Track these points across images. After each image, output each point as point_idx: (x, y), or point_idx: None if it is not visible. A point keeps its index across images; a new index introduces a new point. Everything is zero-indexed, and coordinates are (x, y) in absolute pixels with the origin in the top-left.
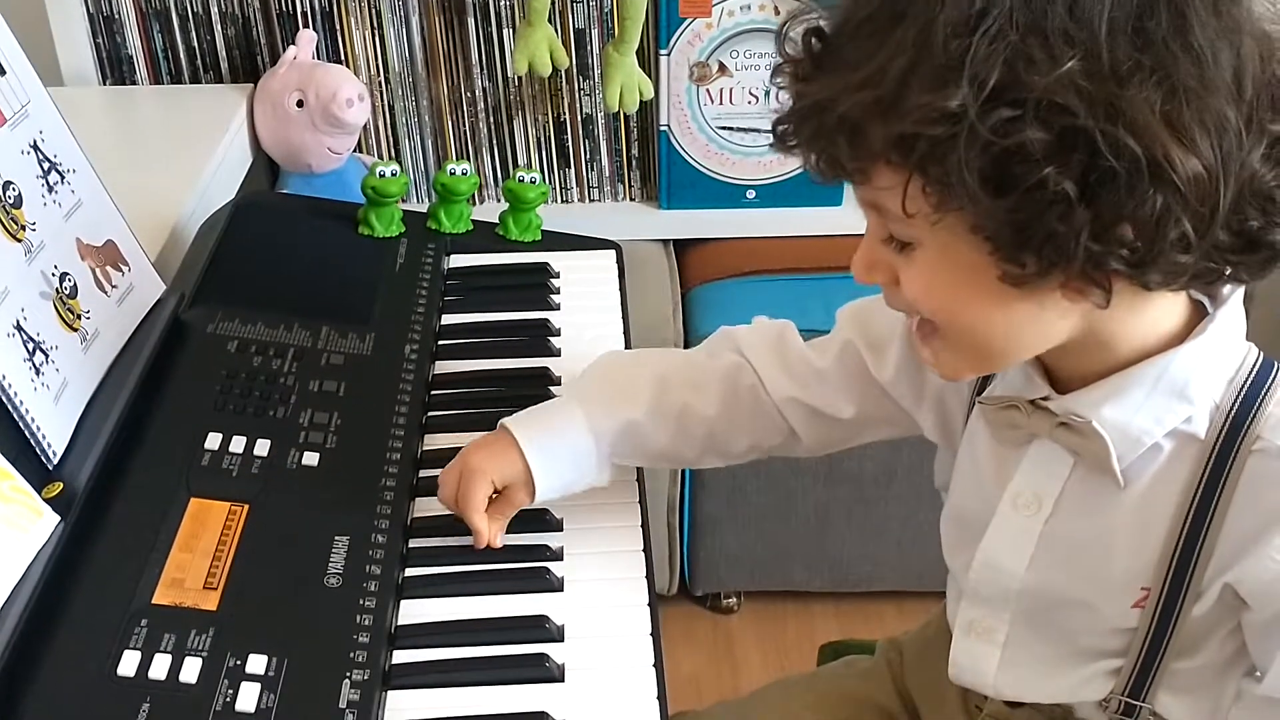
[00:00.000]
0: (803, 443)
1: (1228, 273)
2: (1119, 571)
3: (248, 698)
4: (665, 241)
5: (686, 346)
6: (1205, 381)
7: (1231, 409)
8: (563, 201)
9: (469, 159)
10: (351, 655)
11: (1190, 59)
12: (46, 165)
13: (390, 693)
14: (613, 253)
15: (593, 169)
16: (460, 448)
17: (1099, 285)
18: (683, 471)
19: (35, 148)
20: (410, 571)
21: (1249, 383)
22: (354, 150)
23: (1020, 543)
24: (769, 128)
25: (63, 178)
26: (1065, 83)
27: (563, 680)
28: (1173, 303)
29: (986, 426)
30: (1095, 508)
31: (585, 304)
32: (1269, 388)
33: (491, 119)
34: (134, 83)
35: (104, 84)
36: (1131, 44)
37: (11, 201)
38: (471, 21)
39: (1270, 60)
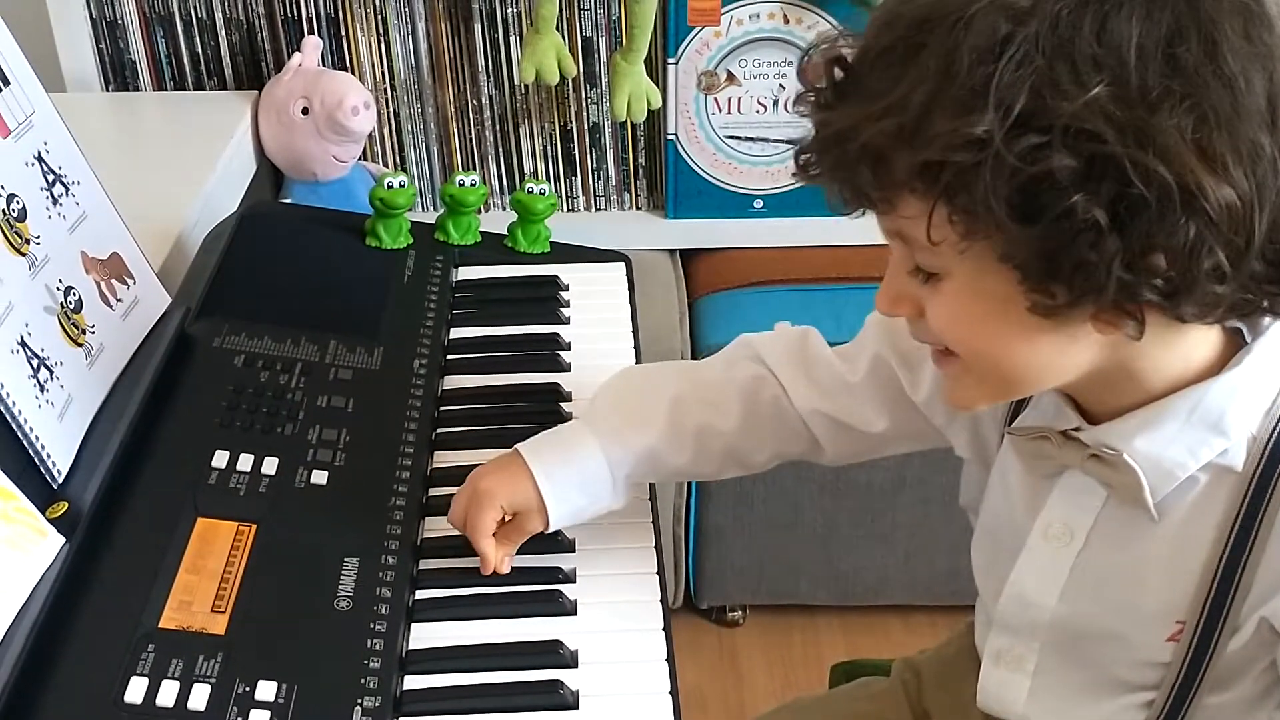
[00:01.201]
0: (826, 453)
1: (1265, 305)
2: (1152, 605)
3: None
4: (672, 251)
5: (694, 357)
6: (1242, 413)
7: (1269, 441)
8: (569, 210)
9: (475, 167)
10: (362, 681)
11: (1222, 85)
12: (51, 177)
13: None
14: (622, 265)
15: (599, 178)
16: (471, 465)
17: (1132, 316)
18: (689, 482)
19: (40, 159)
20: (421, 594)
21: None
22: (359, 158)
23: (1051, 574)
24: (783, 144)
25: (67, 190)
26: (1093, 109)
27: (577, 707)
28: (1207, 334)
29: (1018, 456)
30: (1128, 540)
31: (595, 318)
32: None
33: (498, 127)
34: (137, 89)
35: (107, 90)
36: (1161, 70)
37: (15, 214)
38: (478, 29)
39: None
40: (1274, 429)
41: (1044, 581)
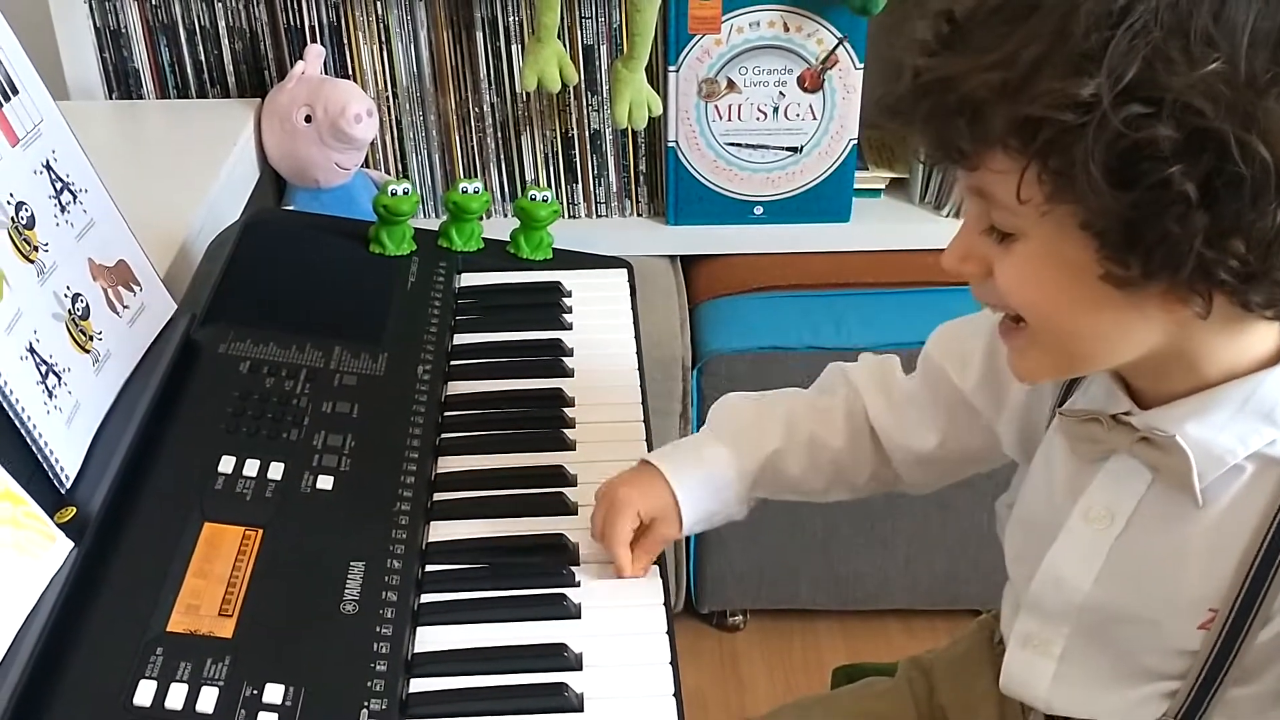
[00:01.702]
0: (905, 483)
1: None
2: (1188, 592)
3: None
4: (673, 257)
5: (694, 362)
6: None
7: None
8: (570, 217)
9: (476, 174)
10: (369, 684)
11: None
12: (59, 185)
13: None
14: (624, 271)
15: (601, 184)
16: (475, 470)
17: (1201, 295)
18: None
19: (48, 167)
20: (426, 598)
21: None
22: (362, 165)
23: (1088, 556)
24: (783, 151)
25: (75, 197)
26: (1202, 85)
27: (582, 710)
28: (1267, 329)
29: (1064, 439)
30: (1170, 526)
31: (598, 323)
32: None
33: (500, 134)
34: (140, 97)
35: (110, 98)
36: (1272, 57)
37: (24, 222)
38: (480, 37)
39: None
40: None
41: (1081, 563)
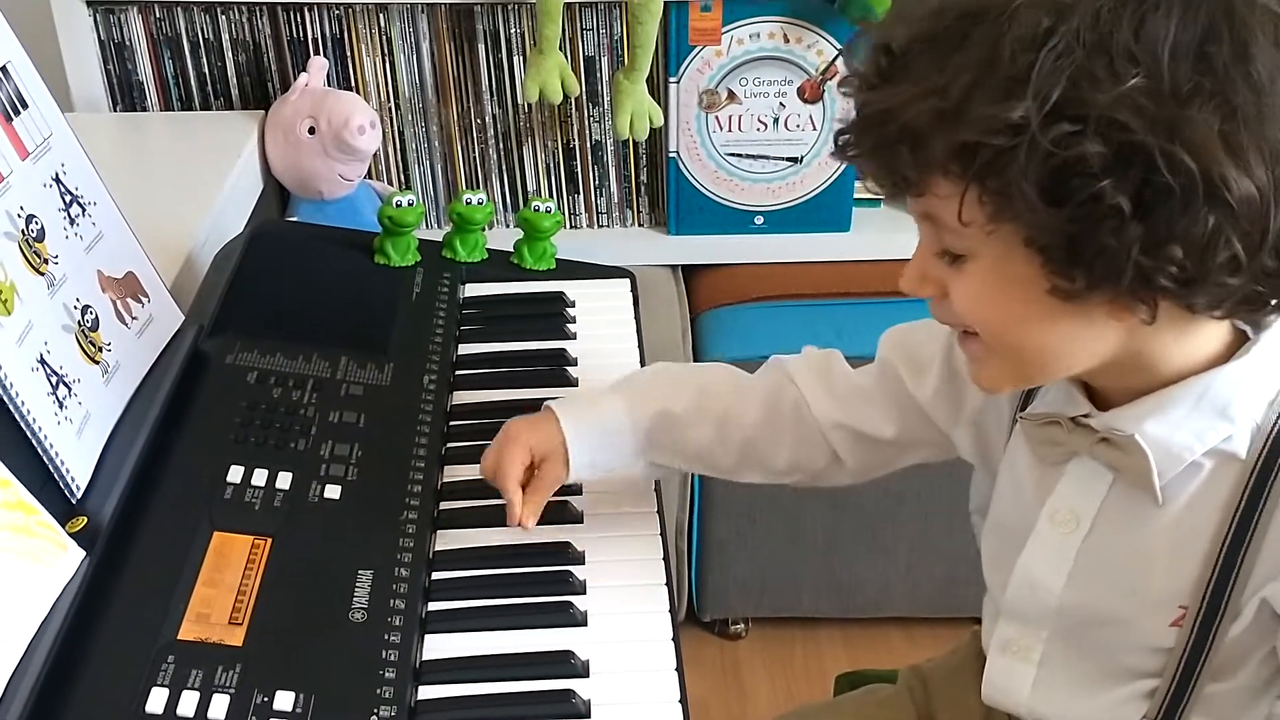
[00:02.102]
0: (846, 467)
1: (1274, 301)
2: (1156, 589)
3: None
4: (674, 267)
5: None
6: (1247, 402)
7: (1273, 430)
8: (572, 228)
9: (479, 186)
10: (378, 691)
11: (1249, 87)
12: (68, 198)
13: None
14: (627, 281)
15: (602, 195)
16: (480, 480)
17: (1145, 303)
18: (691, 496)
19: (57, 180)
20: (434, 605)
21: None
22: (365, 177)
23: (1058, 560)
24: (783, 161)
25: (84, 210)
26: (1126, 100)
27: (589, 716)
28: (1216, 327)
29: (1026, 443)
30: (1133, 525)
31: (601, 333)
32: None
33: (502, 145)
34: (145, 109)
35: (115, 110)
36: (1194, 68)
37: (35, 235)
38: (482, 48)
39: None
40: (1277, 418)
41: (1051, 567)
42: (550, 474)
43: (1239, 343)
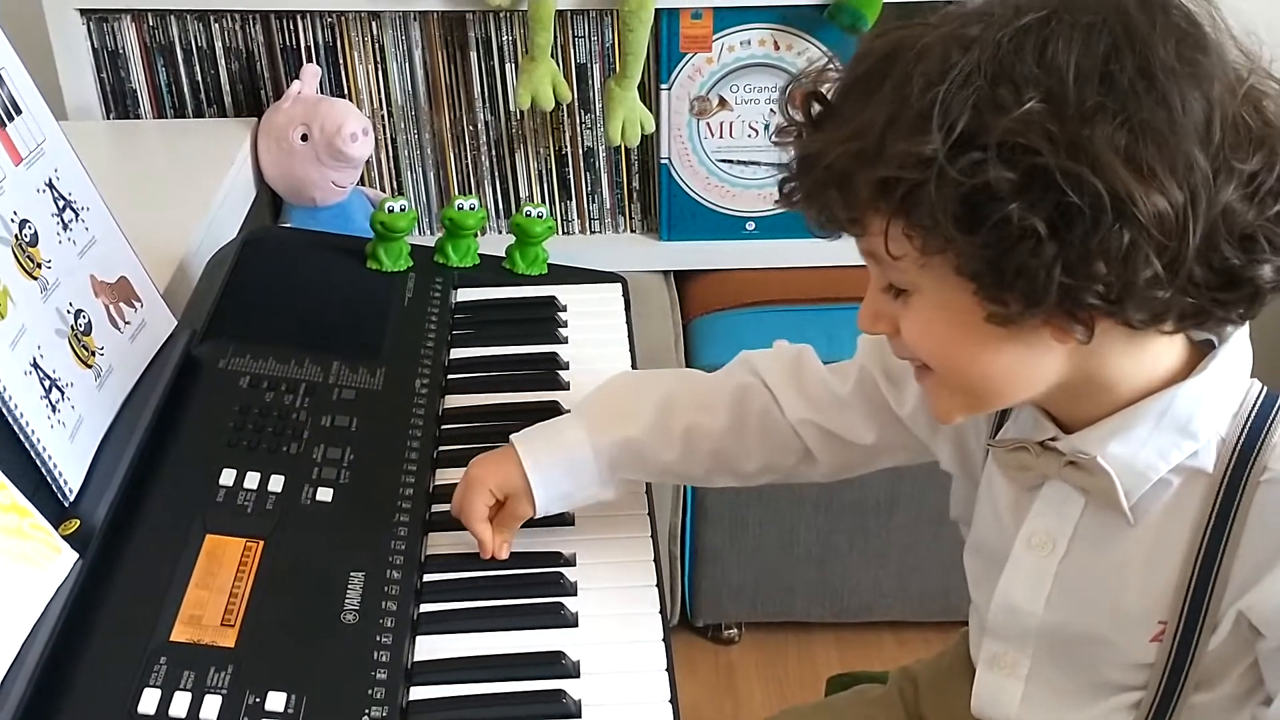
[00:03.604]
0: (819, 465)
1: (1220, 313)
2: (1134, 607)
3: None
4: (666, 273)
5: None
6: (1209, 417)
7: (1238, 442)
8: (564, 234)
9: (471, 192)
10: (370, 692)
11: (1155, 102)
12: (61, 203)
13: None
14: (619, 286)
15: (594, 201)
16: None
17: (1081, 323)
18: (684, 501)
19: (50, 186)
20: (425, 607)
21: (1253, 415)
22: (357, 183)
23: (1036, 582)
24: (774, 168)
25: (77, 215)
26: (1028, 123)
27: (579, 716)
28: (1170, 344)
29: (1000, 469)
30: (1108, 545)
31: (593, 337)
32: (1273, 420)
33: (494, 152)
34: (138, 117)
35: (108, 118)
36: (1097, 89)
37: (28, 239)
38: (474, 56)
39: (1244, 103)
40: (1242, 431)
41: (1030, 590)
42: (517, 511)
43: (1198, 358)
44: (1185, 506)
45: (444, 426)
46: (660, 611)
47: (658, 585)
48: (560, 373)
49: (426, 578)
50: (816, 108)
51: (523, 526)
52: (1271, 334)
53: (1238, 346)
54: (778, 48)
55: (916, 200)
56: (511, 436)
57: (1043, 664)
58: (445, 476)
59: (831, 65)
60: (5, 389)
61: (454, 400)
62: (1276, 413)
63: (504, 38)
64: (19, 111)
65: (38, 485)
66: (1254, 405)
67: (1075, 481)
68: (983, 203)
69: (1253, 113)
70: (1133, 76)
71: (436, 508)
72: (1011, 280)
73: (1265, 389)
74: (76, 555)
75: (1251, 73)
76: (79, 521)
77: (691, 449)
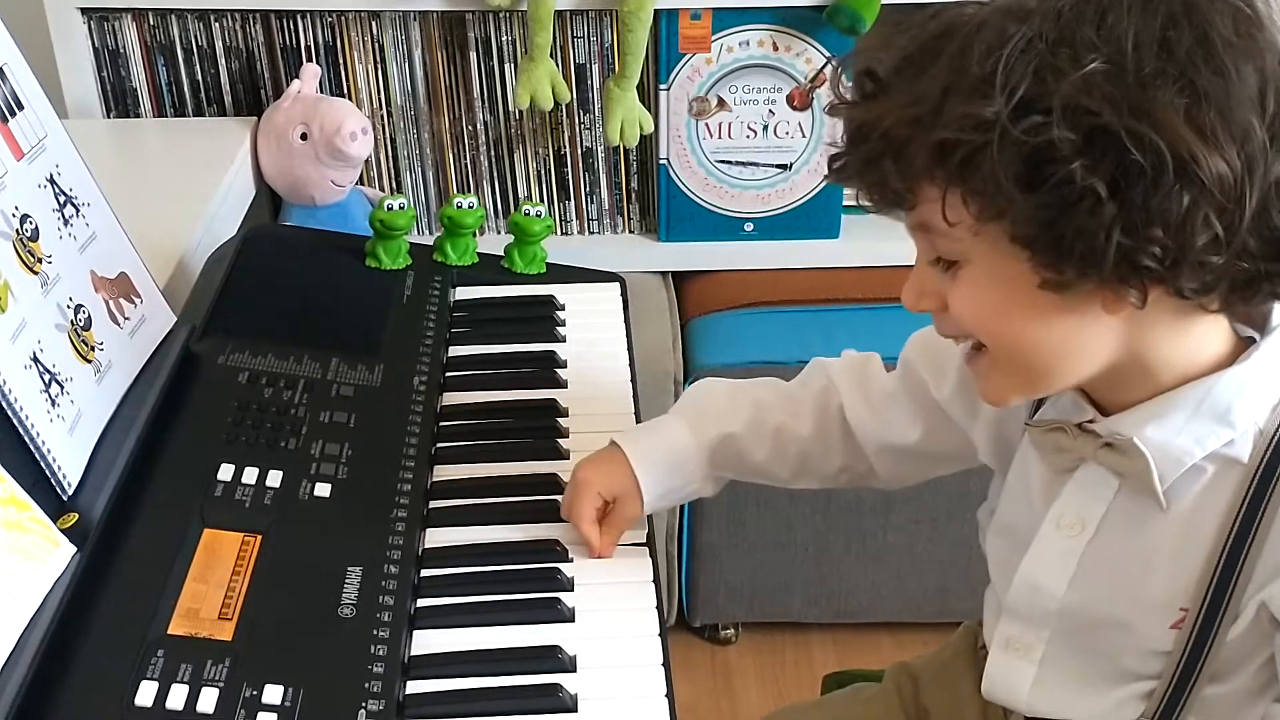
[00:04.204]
0: (879, 477)
1: (1266, 286)
2: (1158, 593)
3: None
4: (664, 273)
5: (685, 377)
6: (1249, 407)
7: (1275, 434)
8: (563, 234)
9: (470, 191)
10: (367, 685)
11: (1213, 71)
12: (62, 199)
13: None
14: (617, 285)
15: (593, 202)
16: (470, 479)
17: (1134, 288)
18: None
19: (51, 181)
20: (423, 602)
21: None
22: (356, 183)
23: (1061, 563)
24: (773, 169)
25: (78, 211)
26: (1090, 85)
27: (575, 710)
28: (1214, 331)
29: (1036, 451)
30: (1137, 530)
31: (591, 336)
32: None
33: (493, 152)
34: (138, 116)
35: (109, 117)
36: (1156, 54)
37: (29, 234)
38: (473, 56)
39: None
40: None
41: (1054, 570)
42: (625, 512)
43: (1241, 349)
44: (1217, 495)
45: (442, 423)
46: (656, 607)
47: (654, 580)
48: (558, 371)
49: (423, 573)
50: (869, 85)
51: (519, 523)
52: None
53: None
54: (776, 49)
55: (976, 164)
56: (614, 438)
57: (1058, 648)
58: (443, 473)
59: (890, 40)
60: (5, 382)
61: (452, 397)
62: None
63: (503, 38)
64: (21, 107)
65: (37, 479)
66: None
67: (1110, 464)
68: (1045, 162)
69: None
70: (1190, 46)
71: (434, 503)
72: (1070, 243)
73: None
74: (75, 549)
75: None
76: (78, 515)
77: (781, 450)
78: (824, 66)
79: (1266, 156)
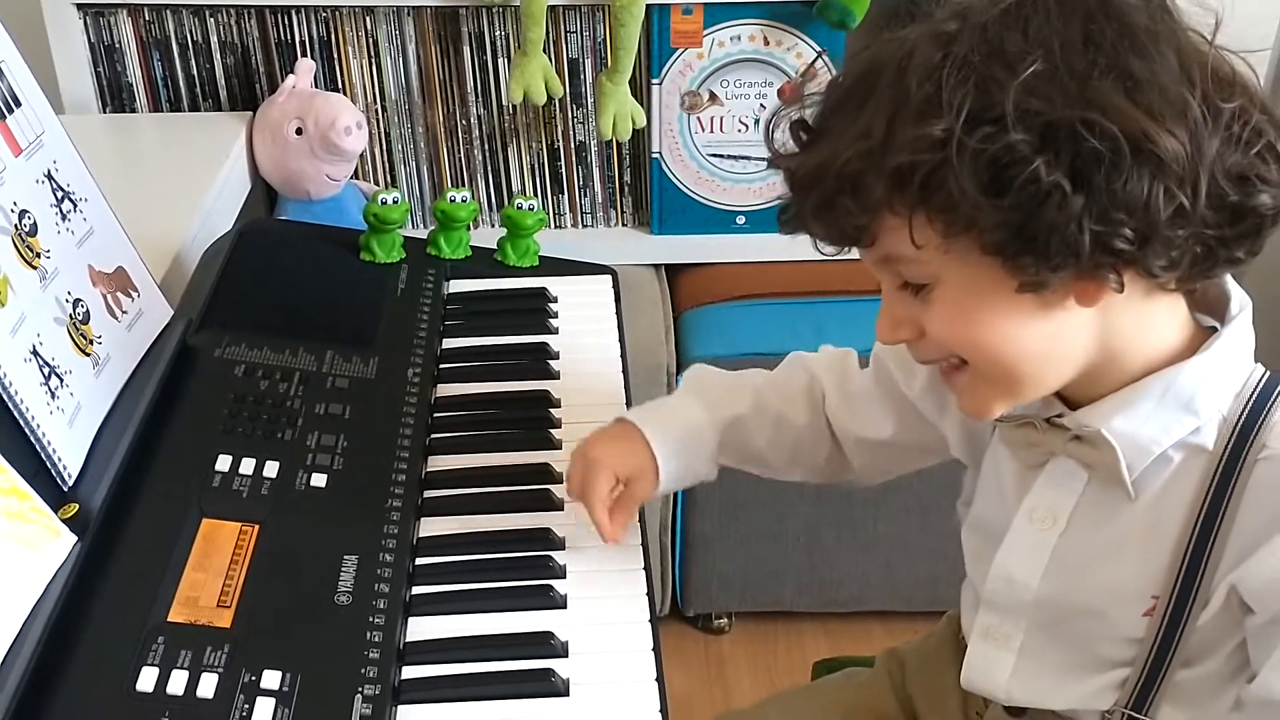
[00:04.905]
0: (855, 470)
1: (1224, 252)
2: (1130, 582)
3: (263, 712)
4: (657, 266)
5: (678, 369)
6: (1212, 395)
7: (1238, 421)
8: (556, 227)
9: (464, 185)
10: (363, 671)
11: (1138, 55)
12: (60, 194)
13: (401, 707)
14: (609, 278)
15: (586, 195)
16: (463, 469)
17: (1114, 271)
18: (675, 493)
19: (49, 177)
20: (417, 589)
21: (1255, 395)
22: (351, 177)
23: (1034, 556)
24: (764, 162)
25: (75, 206)
26: (1033, 88)
27: (567, 694)
28: (1177, 319)
29: (1006, 446)
30: (1108, 521)
31: (583, 328)
32: (1274, 400)
33: (486, 146)
34: (134, 111)
35: (104, 112)
36: (1084, 50)
37: (27, 230)
38: (467, 50)
39: (1206, 54)
40: (1243, 411)
41: (1028, 563)
42: (638, 493)
43: (1201, 339)
44: (1184, 483)
45: (436, 414)
46: (647, 593)
47: (645, 569)
48: (550, 363)
49: (418, 561)
50: (805, 134)
51: (512, 511)
52: (1273, 321)
53: (1240, 328)
54: (767, 43)
55: (937, 181)
56: (626, 414)
57: (1035, 637)
58: (437, 463)
59: (811, 88)
60: (5, 375)
61: (446, 389)
62: (1278, 393)
63: (497, 32)
64: (18, 104)
65: (37, 470)
66: (1256, 386)
67: (1079, 456)
68: (1007, 166)
69: (1221, 62)
70: (1114, 38)
71: (429, 493)
72: (1045, 240)
73: (1268, 372)
74: (75, 538)
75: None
76: (78, 506)
77: (779, 437)
78: (814, 61)
79: (1207, 126)
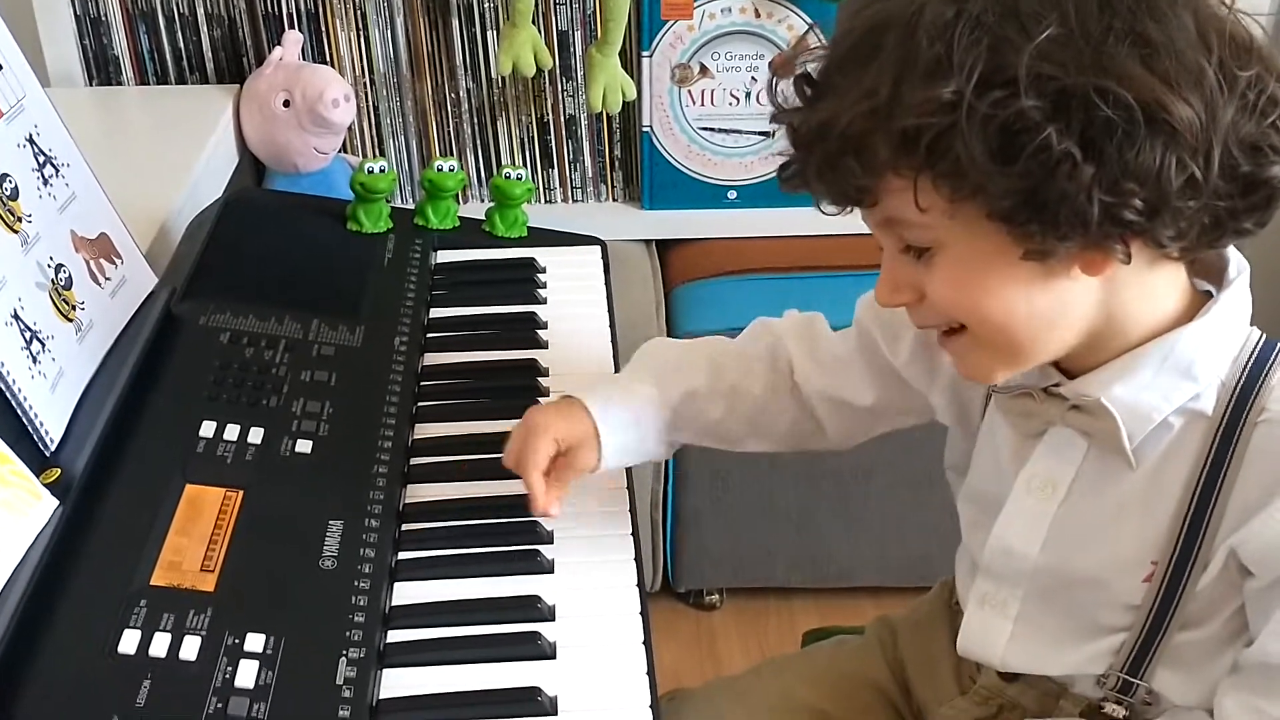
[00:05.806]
0: (828, 435)
1: (1233, 224)
2: (1129, 549)
3: (247, 675)
4: (648, 241)
5: None
6: (1211, 360)
7: (1237, 385)
8: (546, 202)
9: (453, 158)
10: (347, 634)
11: (1155, 21)
12: (41, 159)
13: (386, 670)
14: (597, 248)
15: (576, 169)
16: (451, 436)
17: (1121, 242)
18: (666, 468)
19: (30, 141)
20: (403, 555)
21: (1253, 359)
22: (339, 150)
23: (1033, 526)
24: (756, 136)
25: (57, 171)
26: (1047, 53)
27: (554, 658)
28: (1176, 285)
29: (1003, 416)
30: (1108, 489)
31: (571, 298)
32: (1272, 363)
33: (476, 119)
34: (120, 84)
35: (90, 85)
36: (1099, 15)
37: (8, 193)
38: (456, 23)
39: (1224, 19)
40: (1241, 375)
41: (1027, 532)
42: (578, 462)
43: (1199, 305)
44: (1184, 449)
45: (423, 383)
46: (635, 559)
47: (633, 534)
48: (538, 332)
49: (404, 527)
50: (809, 89)
51: (498, 479)
52: (1271, 288)
53: (1238, 293)
54: (759, 15)
55: (945, 146)
56: (572, 390)
57: (1033, 605)
58: (424, 431)
59: (815, 43)
60: None
61: (432, 358)
62: (1276, 357)
63: (485, 4)
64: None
65: (19, 435)
66: (1254, 350)
67: (1079, 426)
68: (1018, 133)
69: (1239, 28)
70: (1131, 2)
71: (415, 461)
72: (1054, 209)
73: (1265, 336)
74: (57, 502)
75: None
76: (60, 470)
77: (735, 408)
78: (806, 33)
79: (1223, 94)
